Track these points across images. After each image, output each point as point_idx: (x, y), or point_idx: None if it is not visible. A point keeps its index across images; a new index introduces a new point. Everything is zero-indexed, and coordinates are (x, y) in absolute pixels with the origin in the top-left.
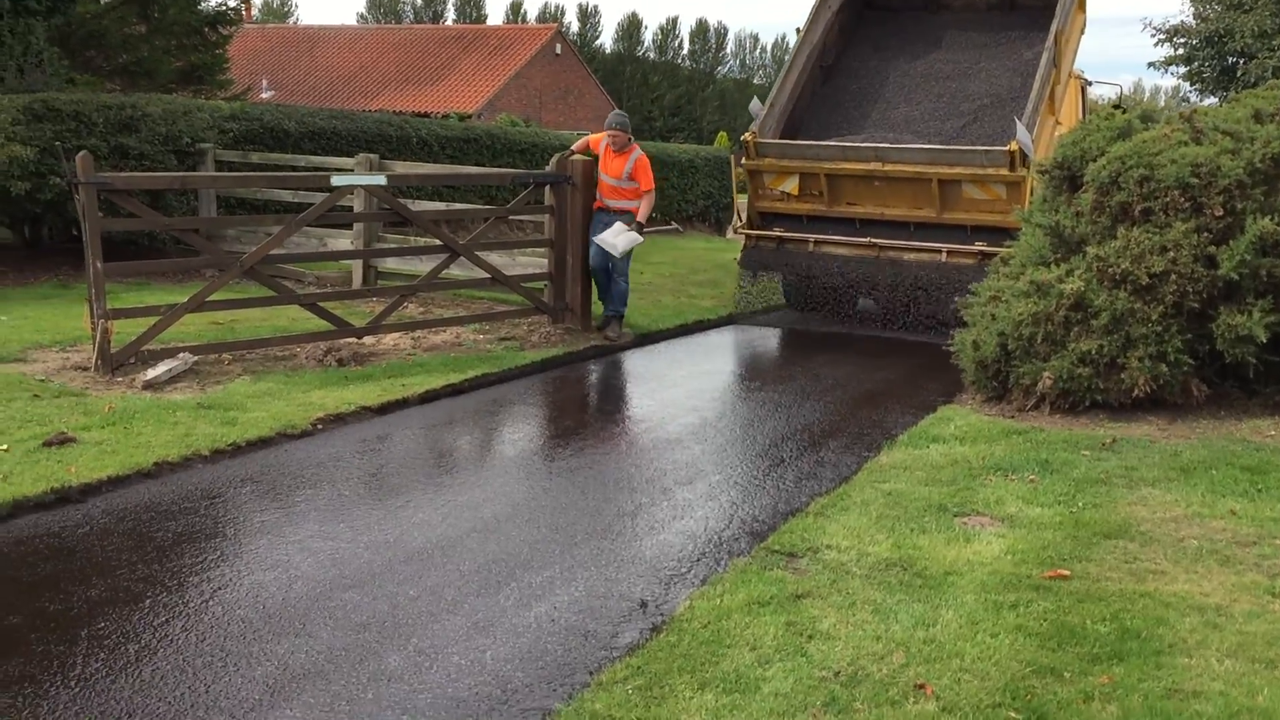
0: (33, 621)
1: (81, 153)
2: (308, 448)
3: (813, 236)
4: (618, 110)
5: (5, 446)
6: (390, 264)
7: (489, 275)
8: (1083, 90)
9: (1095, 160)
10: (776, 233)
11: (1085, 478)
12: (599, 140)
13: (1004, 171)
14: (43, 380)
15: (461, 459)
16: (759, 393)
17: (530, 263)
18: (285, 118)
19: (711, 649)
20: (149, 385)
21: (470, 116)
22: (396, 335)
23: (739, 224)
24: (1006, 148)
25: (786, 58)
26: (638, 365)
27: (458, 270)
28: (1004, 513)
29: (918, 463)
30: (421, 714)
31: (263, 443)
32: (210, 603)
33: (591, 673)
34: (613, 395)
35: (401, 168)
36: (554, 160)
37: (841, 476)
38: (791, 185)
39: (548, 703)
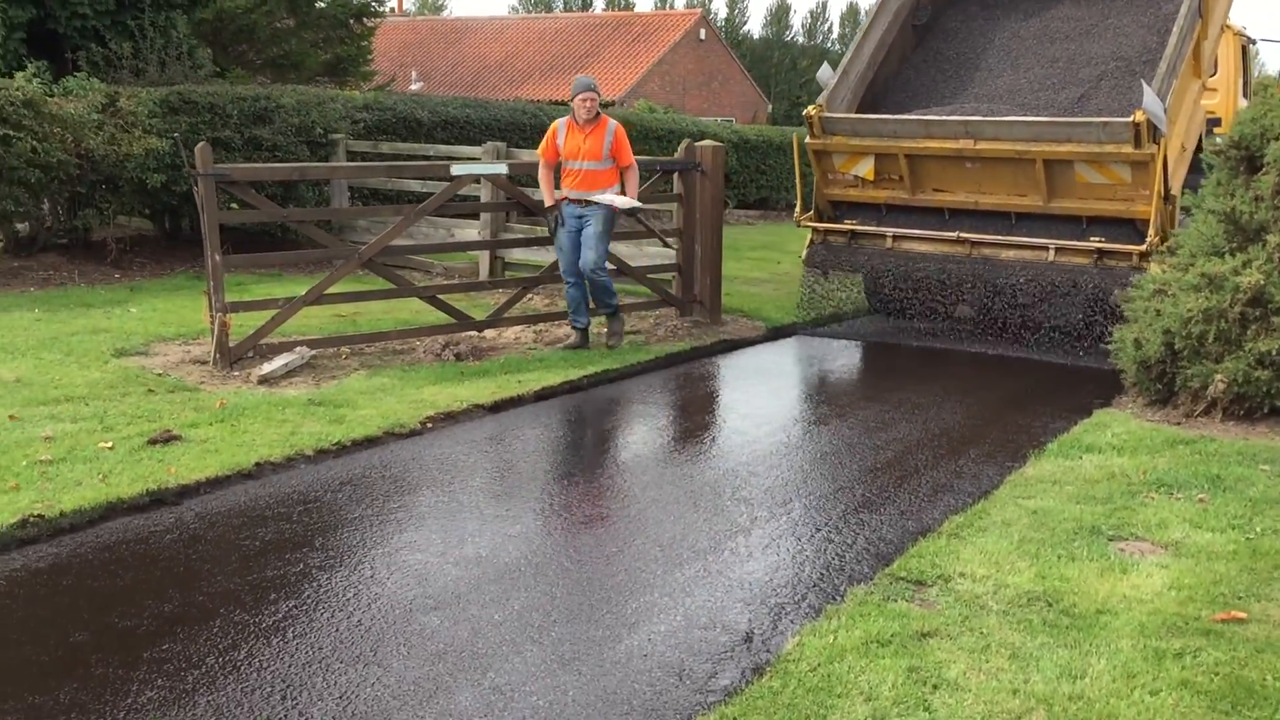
0: (98, 639)
1: (200, 144)
2: (414, 448)
3: (891, 230)
4: (584, 75)
5: (110, 444)
6: (517, 255)
7: (613, 267)
8: (1243, 50)
9: (1278, 139)
10: (848, 225)
11: (1264, 497)
12: (554, 132)
13: (1127, 149)
14: (160, 374)
15: (570, 463)
16: (894, 393)
17: (658, 253)
18: (418, 107)
19: (819, 698)
20: (264, 380)
21: (612, 104)
22: (518, 328)
23: (802, 215)
24: (1130, 119)
25: (864, 15)
26: (767, 361)
27: None
28: (1168, 538)
29: (1069, 476)
30: None
31: (369, 442)
32: (283, 623)
33: None
34: (737, 394)
35: (528, 156)
36: (683, 147)
37: (981, 490)
38: (866, 168)
39: None
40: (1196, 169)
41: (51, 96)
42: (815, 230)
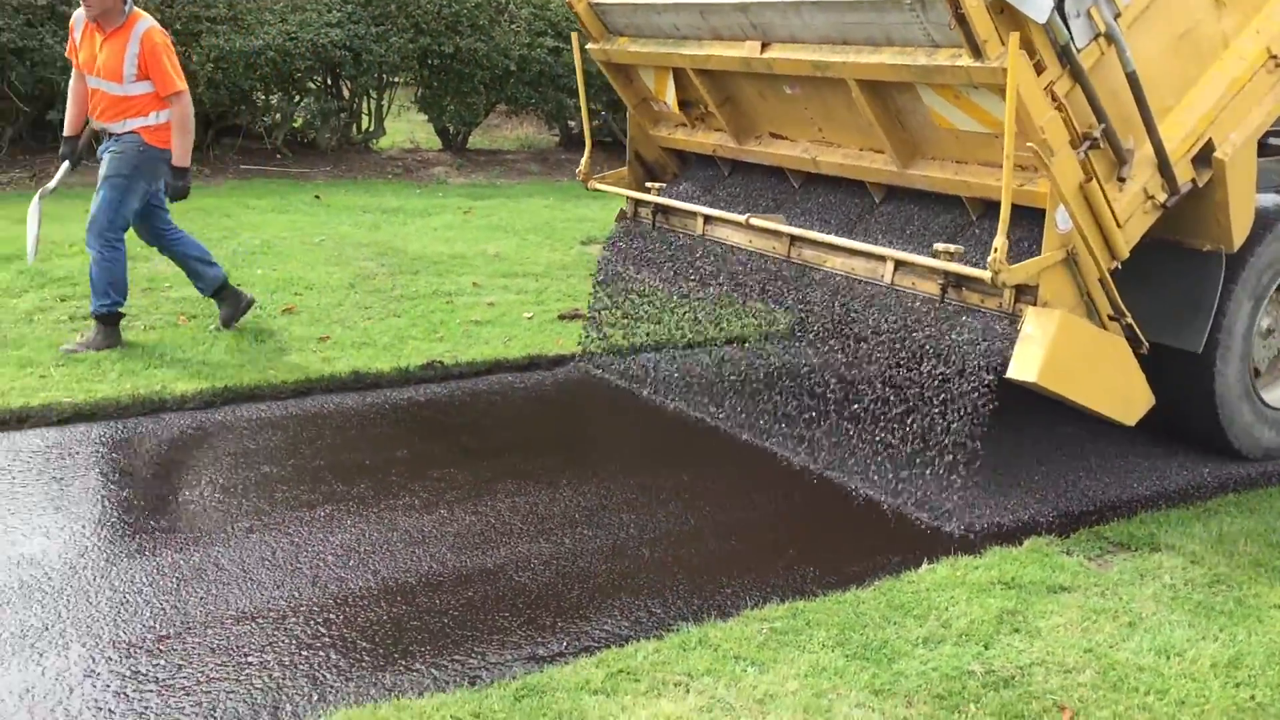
0: (182, 492)
1: None
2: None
3: (702, 209)
4: None
5: (531, 315)
6: None
7: None
8: None
9: None
10: (652, 196)
11: None
12: (70, 29)
13: (965, 60)
14: None
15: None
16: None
17: None
18: None
19: (890, 613)
20: None
21: None
22: None
23: (585, 170)
24: None
25: None
26: None
27: None
28: None
29: None
30: None
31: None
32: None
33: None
34: None
35: None
36: None
37: None
38: (671, 93)
39: None
40: None
41: None
42: (628, 199)
